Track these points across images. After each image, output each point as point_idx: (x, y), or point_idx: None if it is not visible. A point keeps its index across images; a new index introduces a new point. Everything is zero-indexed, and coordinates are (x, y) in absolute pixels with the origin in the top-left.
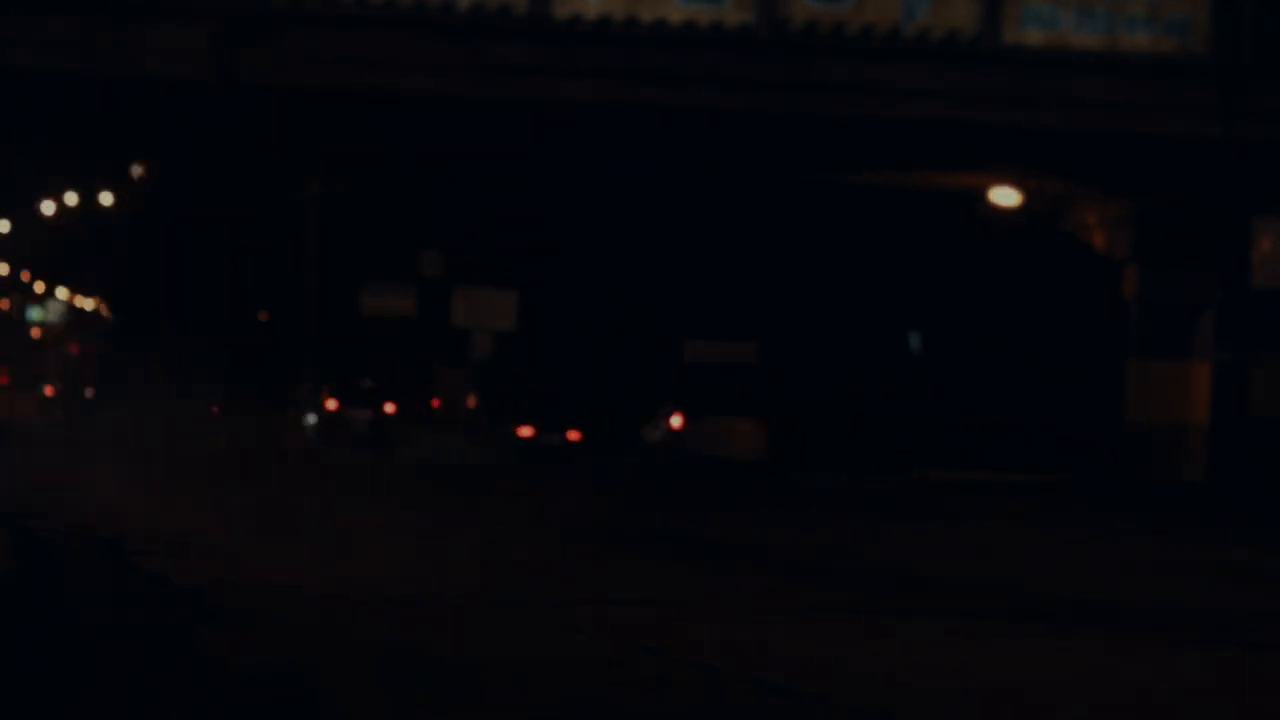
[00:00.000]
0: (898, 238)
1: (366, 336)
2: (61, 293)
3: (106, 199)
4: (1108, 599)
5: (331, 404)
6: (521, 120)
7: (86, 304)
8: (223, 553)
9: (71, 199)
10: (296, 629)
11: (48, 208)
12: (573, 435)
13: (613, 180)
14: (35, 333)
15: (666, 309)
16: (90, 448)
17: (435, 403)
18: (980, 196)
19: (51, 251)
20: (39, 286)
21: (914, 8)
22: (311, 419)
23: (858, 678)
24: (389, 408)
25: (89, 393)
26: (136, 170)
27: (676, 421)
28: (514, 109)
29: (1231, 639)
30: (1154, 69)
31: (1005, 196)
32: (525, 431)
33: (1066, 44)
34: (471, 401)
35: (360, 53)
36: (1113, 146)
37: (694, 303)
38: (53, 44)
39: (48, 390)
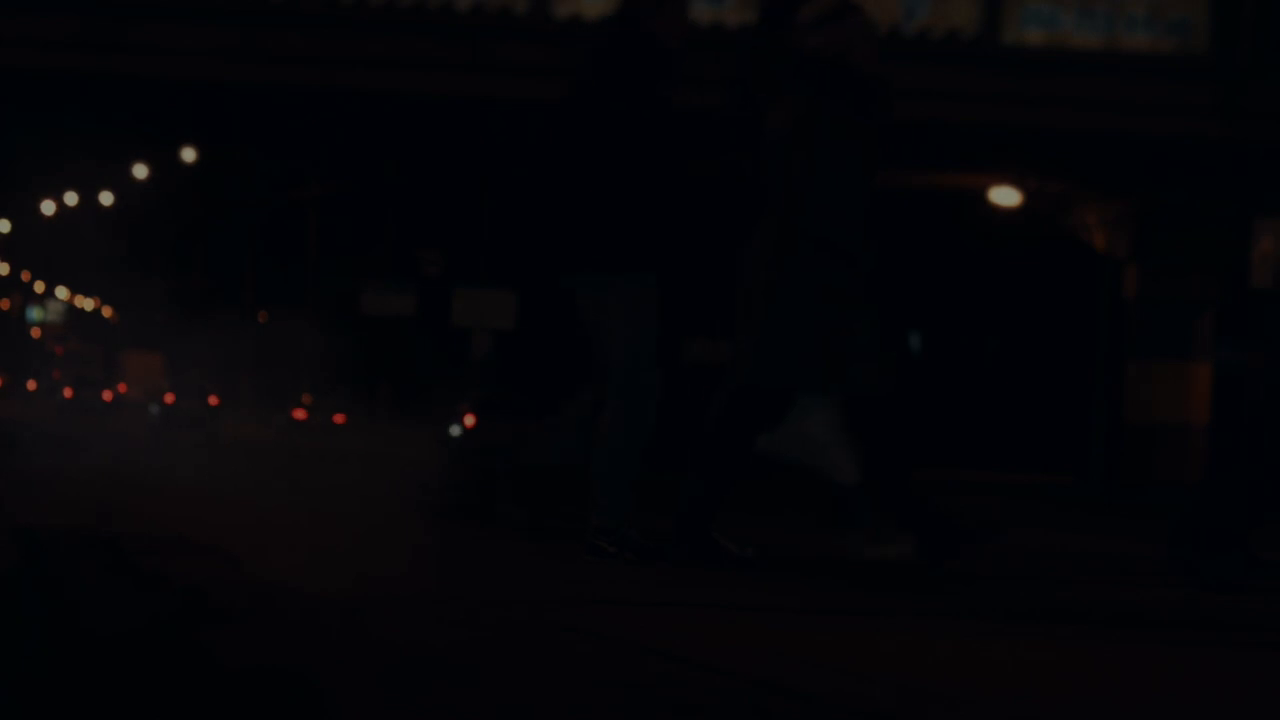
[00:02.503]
0: (897, 237)
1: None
2: (62, 293)
3: (107, 199)
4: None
5: (470, 419)
6: (521, 120)
7: (86, 304)
8: (222, 552)
9: (71, 199)
10: (297, 629)
11: (48, 208)
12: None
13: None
14: (35, 332)
15: (666, 307)
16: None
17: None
18: (980, 196)
19: (56, 249)
20: (39, 286)
21: (914, 7)
22: (455, 430)
23: (871, 681)
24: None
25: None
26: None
27: (470, 420)
28: (514, 109)
29: None
30: (1154, 69)
31: (1005, 196)
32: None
33: (1066, 44)
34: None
35: (360, 53)
36: (1113, 146)
37: (696, 302)
38: (53, 43)
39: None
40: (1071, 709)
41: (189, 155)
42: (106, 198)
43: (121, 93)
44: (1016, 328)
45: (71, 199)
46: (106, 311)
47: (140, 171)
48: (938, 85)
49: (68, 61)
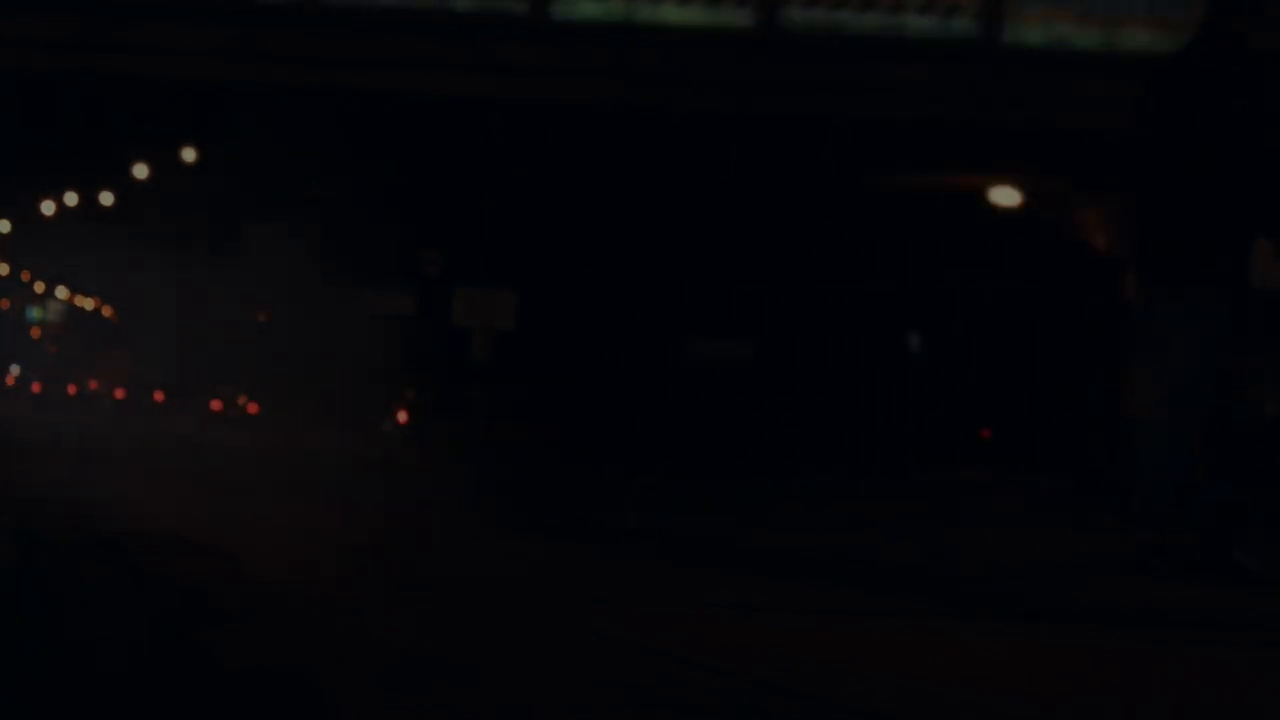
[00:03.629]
0: (897, 237)
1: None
2: (61, 293)
3: (107, 199)
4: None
5: (402, 415)
6: (520, 120)
7: (87, 304)
8: (221, 551)
9: (71, 199)
10: (297, 629)
11: (48, 208)
12: None
13: (612, 180)
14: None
15: (666, 307)
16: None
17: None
18: (980, 196)
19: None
20: (39, 286)
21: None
22: (388, 426)
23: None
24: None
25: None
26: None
27: (402, 417)
28: (513, 109)
29: None
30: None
31: (1005, 196)
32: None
33: (1067, 44)
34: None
35: (359, 53)
36: (1113, 146)
37: (694, 301)
38: (53, 43)
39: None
40: (1072, 709)
41: (189, 155)
42: (107, 198)
43: (121, 93)
44: (1016, 328)
45: (71, 199)
46: (107, 311)
47: (140, 171)
48: (938, 85)
49: (68, 61)
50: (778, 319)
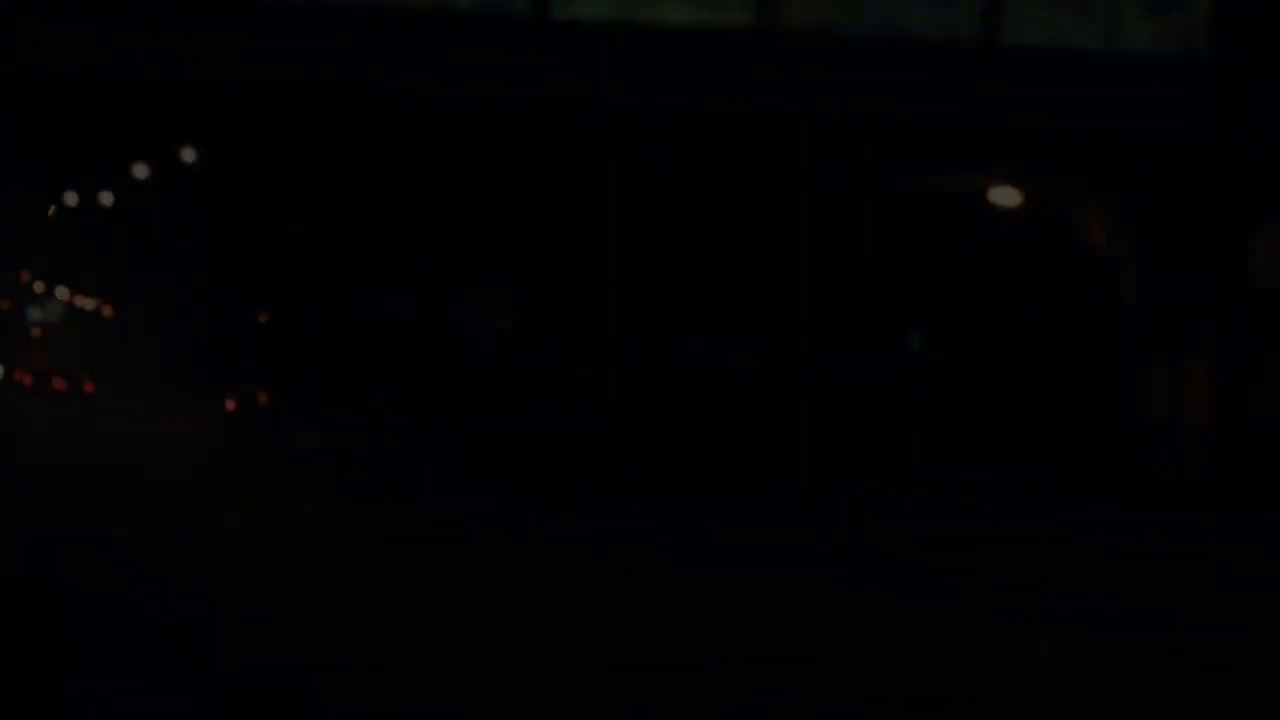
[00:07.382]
0: (897, 238)
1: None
2: (61, 293)
3: (107, 199)
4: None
5: (230, 404)
6: (520, 120)
7: (87, 304)
8: (220, 550)
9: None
10: (296, 629)
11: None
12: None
13: (612, 180)
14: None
15: (665, 307)
16: None
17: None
18: (980, 197)
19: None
20: (39, 286)
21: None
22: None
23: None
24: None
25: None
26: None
27: (230, 405)
28: (513, 109)
29: None
30: (1154, 69)
31: (1005, 196)
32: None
33: (1067, 44)
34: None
35: (358, 51)
36: (1113, 146)
37: (692, 301)
38: (54, 44)
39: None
40: (1077, 709)
41: (189, 155)
42: (107, 198)
43: (121, 92)
44: (1015, 328)
45: (72, 199)
46: (107, 311)
47: (140, 171)
48: (938, 86)
49: (68, 62)
50: (777, 319)
